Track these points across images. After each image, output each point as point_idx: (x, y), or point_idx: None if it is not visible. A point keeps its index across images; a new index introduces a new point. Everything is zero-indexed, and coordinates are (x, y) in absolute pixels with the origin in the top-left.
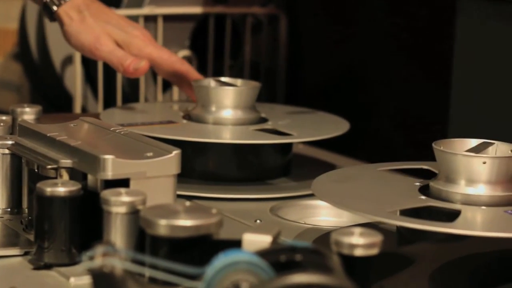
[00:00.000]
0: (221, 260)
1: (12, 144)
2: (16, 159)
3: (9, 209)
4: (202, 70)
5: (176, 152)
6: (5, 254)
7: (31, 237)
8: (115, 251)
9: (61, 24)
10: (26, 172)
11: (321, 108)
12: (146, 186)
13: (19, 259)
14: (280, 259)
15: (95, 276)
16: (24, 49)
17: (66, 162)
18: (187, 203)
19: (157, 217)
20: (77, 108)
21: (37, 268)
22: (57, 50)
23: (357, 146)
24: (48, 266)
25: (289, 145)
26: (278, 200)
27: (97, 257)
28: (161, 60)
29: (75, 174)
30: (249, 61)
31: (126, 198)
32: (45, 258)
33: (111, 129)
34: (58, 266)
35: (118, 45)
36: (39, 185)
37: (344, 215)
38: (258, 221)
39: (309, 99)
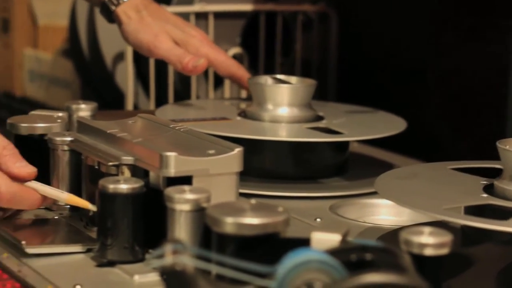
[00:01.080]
0: (293, 258)
1: (71, 141)
2: (75, 156)
3: (68, 206)
4: (253, 67)
5: (238, 150)
6: (68, 251)
7: (93, 234)
8: (184, 248)
9: (119, 23)
10: (85, 169)
11: (372, 106)
12: (209, 183)
13: (81, 256)
14: (350, 258)
15: (166, 274)
16: (75, 45)
17: (128, 159)
18: (253, 201)
19: (223, 215)
20: (129, 105)
21: (100, 265)
22: (108, 47)
23: (413, 144)
24: (111, 263)
25: (345, 143)
26: (336, 199)
27: (167, 255)
28: (217, 62)
29: (137, 171)
30: (300, 59)
31: (190, 196)
32: (108, 255)
33: (171, 126)
34: (121, 264)
35: (176, 44)
36: (102, 182)
37: (405, 214)
38: (318, 219)
39: (360, 96)
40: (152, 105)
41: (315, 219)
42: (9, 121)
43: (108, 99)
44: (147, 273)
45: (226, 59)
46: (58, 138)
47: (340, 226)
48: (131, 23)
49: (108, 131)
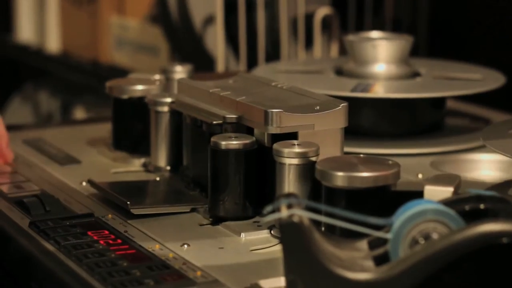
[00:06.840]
0: (409, 210)
1: (172, 102)
2: (175, 117)
3: (168, 167)
4: (343, 27)
5: (343, 105)
6: (173, 211)
7: (195, 194)
8: (299, 202)
9: None
10: (187, 129)
11: (468, 61)
12: (314, 139)
13: (186, 216)
14: (465, 208)
15: (283, 226)
16: (163, 10)
17: (232, 117)
18: (362, 155)
19: (334, 169)
20: (220, 69)
21: (205, 224)
22: (197, 10)
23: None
24: (217, 222)
25: (443, 99)
26: (436, 155)
27: (283, 209)
28: None
29: (240, 129)
30: (391, 17)
31: (298, 149)
32: (220, 212)
33: (273, 84)
34: (233, 220)
35: None
36: (214, 139)
37: (510, 169)
38: (420, 175)
39: (451, 53)
40: (242, 67)
41: (417, 175)
42: (108, 84)
43: (197, 63)
44: (254, 231)
45: None
46: (158, 100)
47: (453, 178)
48: None
49: (210, 90)
